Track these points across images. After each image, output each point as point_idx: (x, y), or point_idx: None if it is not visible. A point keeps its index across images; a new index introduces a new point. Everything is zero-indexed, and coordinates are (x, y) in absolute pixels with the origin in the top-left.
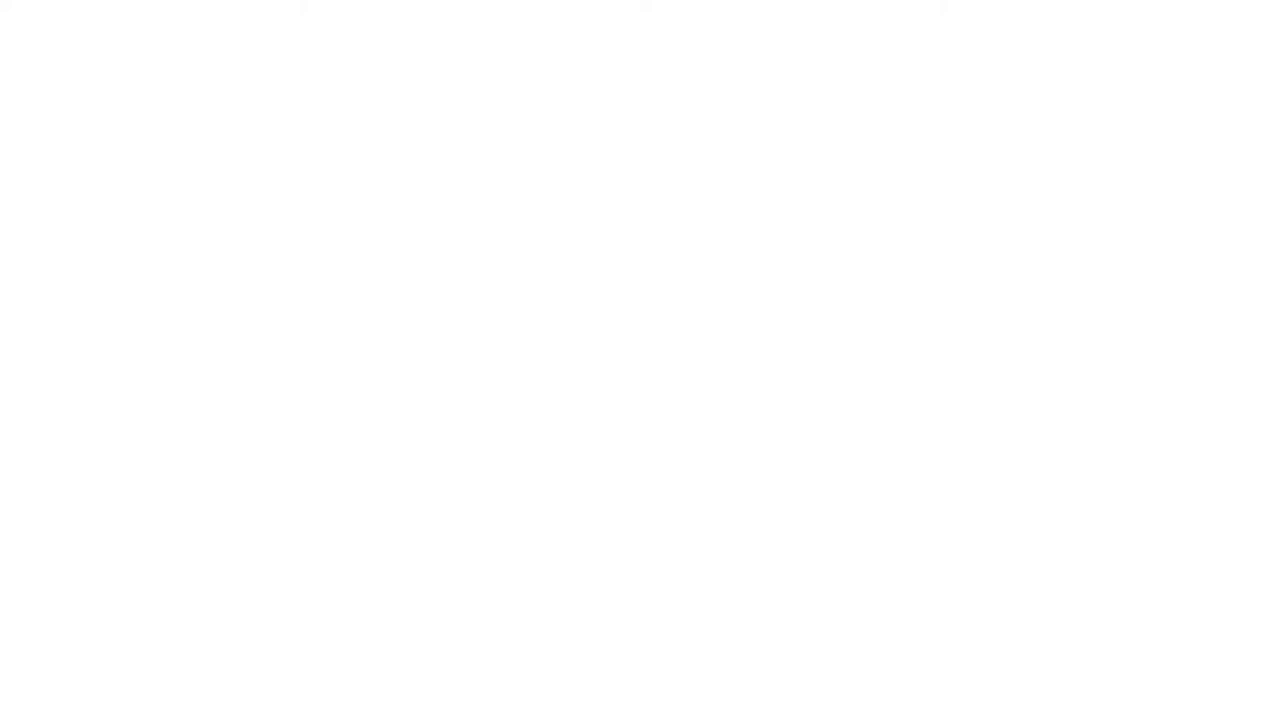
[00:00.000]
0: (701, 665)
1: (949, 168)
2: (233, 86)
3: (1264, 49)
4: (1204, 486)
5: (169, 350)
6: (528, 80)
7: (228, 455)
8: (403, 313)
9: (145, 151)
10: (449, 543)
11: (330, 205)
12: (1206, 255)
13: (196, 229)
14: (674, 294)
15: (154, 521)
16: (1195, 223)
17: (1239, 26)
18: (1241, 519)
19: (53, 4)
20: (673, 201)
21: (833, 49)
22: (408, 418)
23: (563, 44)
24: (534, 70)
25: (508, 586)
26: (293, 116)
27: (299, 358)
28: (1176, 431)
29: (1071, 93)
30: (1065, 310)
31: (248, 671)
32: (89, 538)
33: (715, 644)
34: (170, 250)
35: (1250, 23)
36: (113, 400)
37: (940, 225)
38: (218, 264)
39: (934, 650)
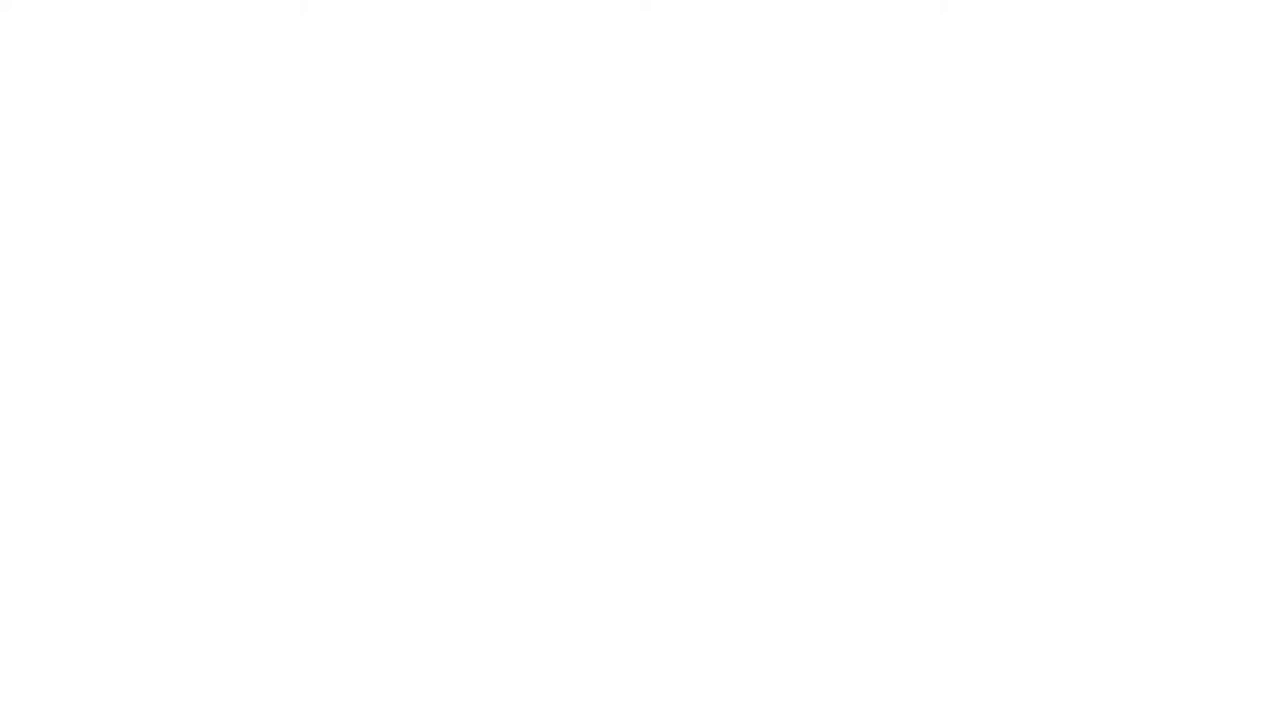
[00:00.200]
0: (701, 665)
1: (949, 167)
2: (233, 86)
3: (1264, 49)
4: (1204, 486)
5: (169, 349)
6: (528, 80)
7: (227, 454)
8: (402, 311)
9: (145, 151)
10: (449, 542)
11: (330, 204)
12: (1206, 255)
13: (197, 228)
14: (674, 293)
15: (154, 520)
16: (1195, 222)
17: (1239, 26)
18: (1241, 519)
19: (53, 4)
20: (672, 200)
21: (833, 48)
22: (407, 416)
23: (563, 44)
24: (534, 70)
25: (507, 586)
26: (293, 116)
27: (299, 357)
28: (1176, 431)
29: (1071, 92)
30: (1065, 309)
31: (248, 671)
32: (89, 537)
33: (715, 644)
34: (170, 249)
35: (1250, 23)
36: (113, 399)
37: (940, 224)
38: (218, 263)
39: (934, 650)
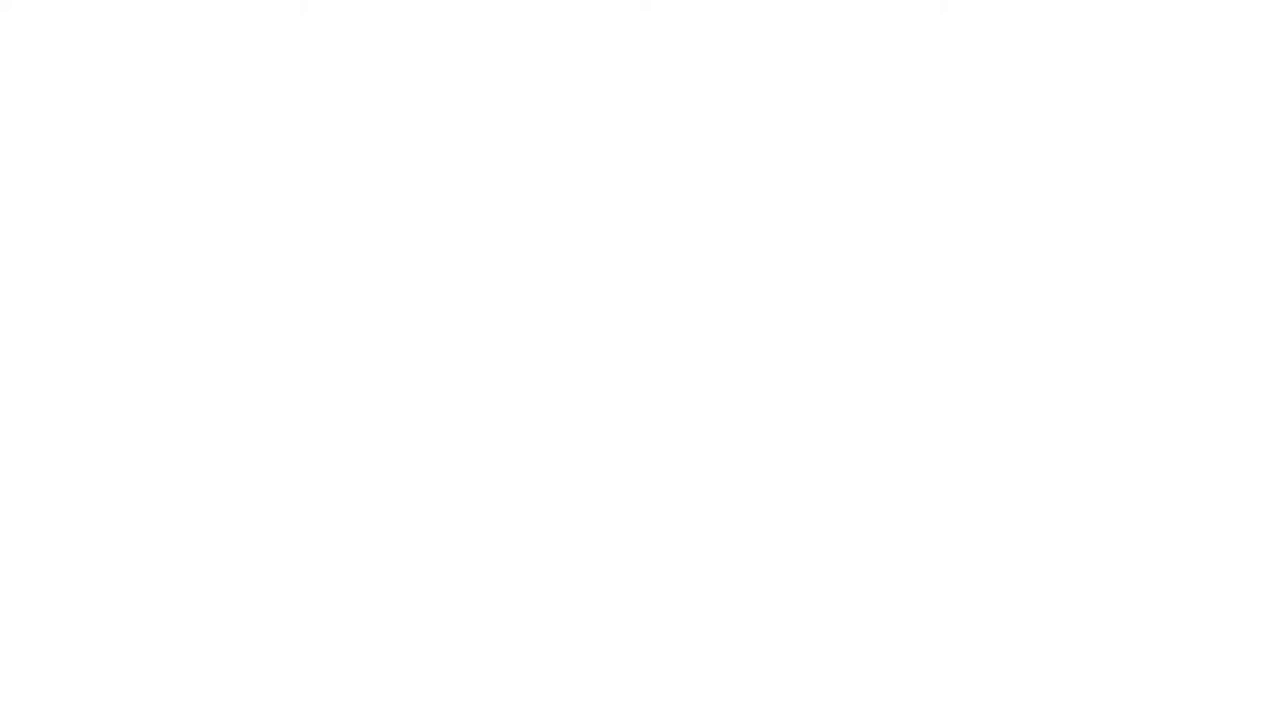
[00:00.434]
0: (701, 665)
1: (949, 166)
2: (232, 86)
3: (1264, 49)
4: (1204, 485)
5: (168, 349)
6: (527, 80)
7: (227, 453)
8: (402, 311)
9: (145, 151)
10: (448, 541)
11: (330, 204)
12: (1206, 254)
13: (197, 228)
14: (674, 293)
15: (153, 520)
16: (1195, 221)
17: (1239, 26)
18: (1241, 518)
19: (53, 4)
20: (672, 200)
21: (833, 48)
22: (407, 416)
23: (563, 43)
24: (534, 70)
25: (507, 586)
26: (292, 116)
27: (299, 356)
28: (1176, 430)
29: (1071, 92)
30: (1064, 309)
31: (248, 671)
32: (89, 537)
33: (715, 644)
34: (170, 249)
35: (1250, 23)
36: (112, 398)
37: (940, 224)
38: (218, 263)
39: (934, 650)
